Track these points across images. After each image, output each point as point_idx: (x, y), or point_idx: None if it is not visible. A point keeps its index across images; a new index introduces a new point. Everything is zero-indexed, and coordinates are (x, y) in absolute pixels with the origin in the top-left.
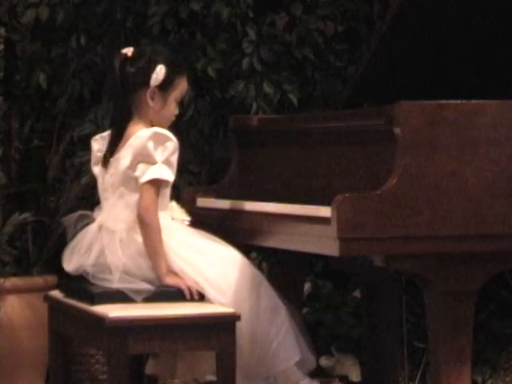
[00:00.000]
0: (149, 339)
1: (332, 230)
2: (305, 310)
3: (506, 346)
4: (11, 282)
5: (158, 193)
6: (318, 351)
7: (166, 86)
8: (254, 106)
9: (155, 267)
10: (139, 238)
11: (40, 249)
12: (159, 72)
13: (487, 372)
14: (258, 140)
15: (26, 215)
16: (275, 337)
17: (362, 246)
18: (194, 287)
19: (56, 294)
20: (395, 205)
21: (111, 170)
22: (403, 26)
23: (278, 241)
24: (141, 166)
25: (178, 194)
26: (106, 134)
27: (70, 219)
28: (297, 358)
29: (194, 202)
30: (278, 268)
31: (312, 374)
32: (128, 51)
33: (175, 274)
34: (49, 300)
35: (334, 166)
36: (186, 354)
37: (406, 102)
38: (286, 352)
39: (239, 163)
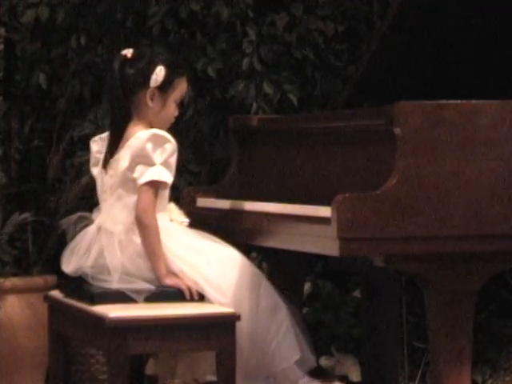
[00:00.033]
0: (149, 339)
1: (332, 230)
2: (305, 310)
3: (506, 346)
4: (11, 281)
5: (156, 194)
6: (318, 351)
7: (165, 87)
8: (254, 105)
9: (154, 268)
10: (138, 240)
11: (40, 249)
12: (159, 73)
13: (487, 372)
14: (258, 140)
15: (26, 215)
16: (275, 335)
17: (362, 245)
18: (194, 287)
19: (56, 294)
20: (395, 205)
21: (111, 171)
22: (403, 26)
23: (278, 241)
24: (139, 168)
25: (177, 195)
26: (105, 135)
27: (68, 221)
28: (297, 357)
29: (194, 202)
30: (278, 268)
31: (312, 374)
32: (127, 52)
33: (175, 274)
34: (49, 300)
35: (333, 166)
36: (186, 354)
37: (406, 102)
38: (286, 350)
39: (239, 163)
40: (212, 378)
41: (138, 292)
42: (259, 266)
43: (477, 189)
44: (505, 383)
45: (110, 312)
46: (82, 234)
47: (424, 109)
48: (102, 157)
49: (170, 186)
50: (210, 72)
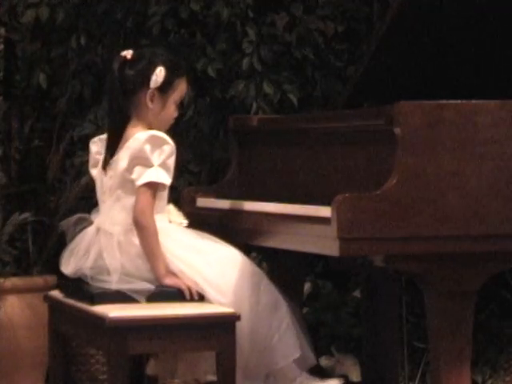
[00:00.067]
0: (149, 339)
1: (332, 230)
2: (305, 310)
3: (506, 346)
4: (11, 281)
5: (154, 196)
6: (318, 351)
7: (165, 87)
8: (254, 105)
9: (154, 269)
10: (137, 241)
11: (40, 249)
12: (159, 74)
13: (487, 372)
14: (258, 140)
15: (26, 215)
16: (276, 331)
17: (362, 245)
18: (194, 288)
19: (56, 294)
20: (395, 205)
21: (110, 172)
22: (403, 26)
23: (278, 241)
24: (137, 169)
25: (177, 195)
26: (105, 136)
27: (68, 222)
28: (297, 355)
29: (194, 202)
30: (278, 268)
31: (312, 374)
32: (127, 54)
33: (174, 274)
34: (49, 300)
35: (334, 166)
36: (187, 354)
37: (406, 102)
38: (287, 348)
39: (239, 163)
40: (212, 377)
41: (138, 292)
42: (259, 266)
43: (477, 189)
44: (505, 383)
45: (110, 312)
46: (81, 235)
47: (424, 109)
48: (101, 158)
49: (168, 187)
50: (210, 72)
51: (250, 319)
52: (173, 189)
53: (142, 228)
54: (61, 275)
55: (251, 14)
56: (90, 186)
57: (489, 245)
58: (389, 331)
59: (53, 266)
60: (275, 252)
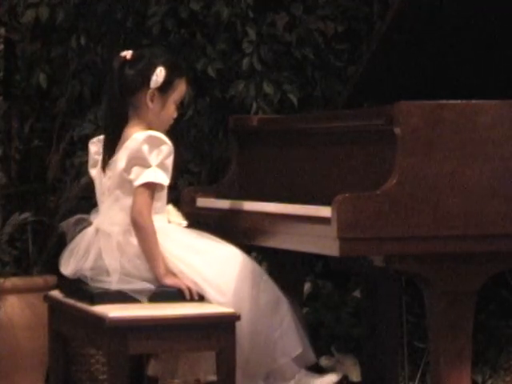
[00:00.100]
0: (149, 339)
1: (332, 230)
2: (305, 310)
3: (506, 346)
4: (11, 281)
5: (152, 196)
6: (318, 351)
7: (165, 87)
8: (254, 105)
9: (153, 269)
10: (135, 241)
11: (40, 249)
12: (159, 74)
13: (487, 372)
14: (258, 140)
15: (26, 215)
16: (278, 327)
17: (362, 245)
18: (194, 288)
19: (56, 294)
20: (395, 205)
21: (109, 172)
22: (403, 26)
23: (278, 241)
24: (135, 169)
25: (177, 195)
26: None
27: (67, 223)
28: (299, 350)
29: (194, 202)
30: (278, 268)
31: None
32: (127, 54)
33: (174, 274)
34: (49, 300)
35: (334, 165)
36: (187, 354)
37: (405, 102)
38: (288, 344)
39: (239, 163)
40: (213, 377)
41: (138, 292)
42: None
43: (477, 189)
44: (505, 383)
45: (110, 312)
46: (80, 235)
47: (424, 109)
48: (100, 158)
49: (166, 187)
50: (210, 72)
51: (250, 318)
52: (173, 189)
53: (140, 228)
54: (61, 275)
55: (251, 14)
56: (90, 186)
57: (489, 245)
58: (389, 331)
59: (53, 266)
60: (275, 252)
